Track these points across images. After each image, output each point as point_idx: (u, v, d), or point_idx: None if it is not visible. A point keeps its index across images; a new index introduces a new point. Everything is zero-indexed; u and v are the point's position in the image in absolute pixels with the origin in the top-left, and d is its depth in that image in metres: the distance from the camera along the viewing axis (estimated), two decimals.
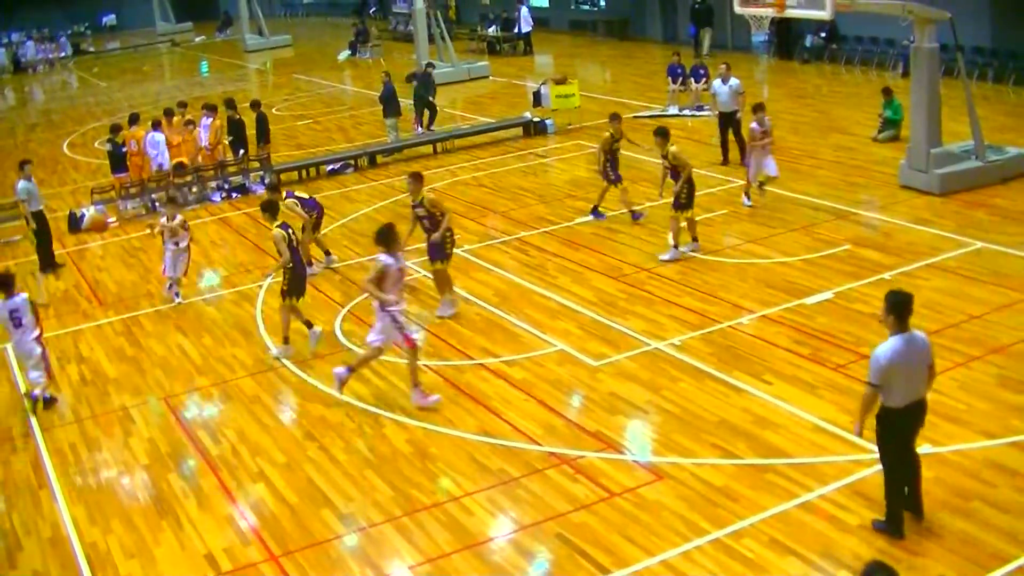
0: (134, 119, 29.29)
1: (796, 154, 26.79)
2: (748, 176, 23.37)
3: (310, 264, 21.11)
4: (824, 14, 22.45)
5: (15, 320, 16.82)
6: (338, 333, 18.70)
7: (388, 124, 32.59)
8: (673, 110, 33.43)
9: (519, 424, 14.91)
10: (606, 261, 20.66)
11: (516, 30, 51.59)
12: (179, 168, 28.45)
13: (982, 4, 33.45)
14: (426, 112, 33.94)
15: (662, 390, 15.47)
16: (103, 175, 29.72)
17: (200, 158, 29.06)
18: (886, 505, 11.53)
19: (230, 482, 14.27)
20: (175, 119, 30.11)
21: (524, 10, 50.94)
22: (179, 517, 13.55)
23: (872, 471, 12.61)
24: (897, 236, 20.67)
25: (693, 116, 32.62)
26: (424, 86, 34.23)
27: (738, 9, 24.70)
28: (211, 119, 29.32)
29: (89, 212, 27.03)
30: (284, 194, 21.19)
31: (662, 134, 20.71)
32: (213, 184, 29.02)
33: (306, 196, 21.88)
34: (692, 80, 33.55)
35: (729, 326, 17.35)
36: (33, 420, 16.70)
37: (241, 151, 29.46)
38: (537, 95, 33.93)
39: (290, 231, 17.90)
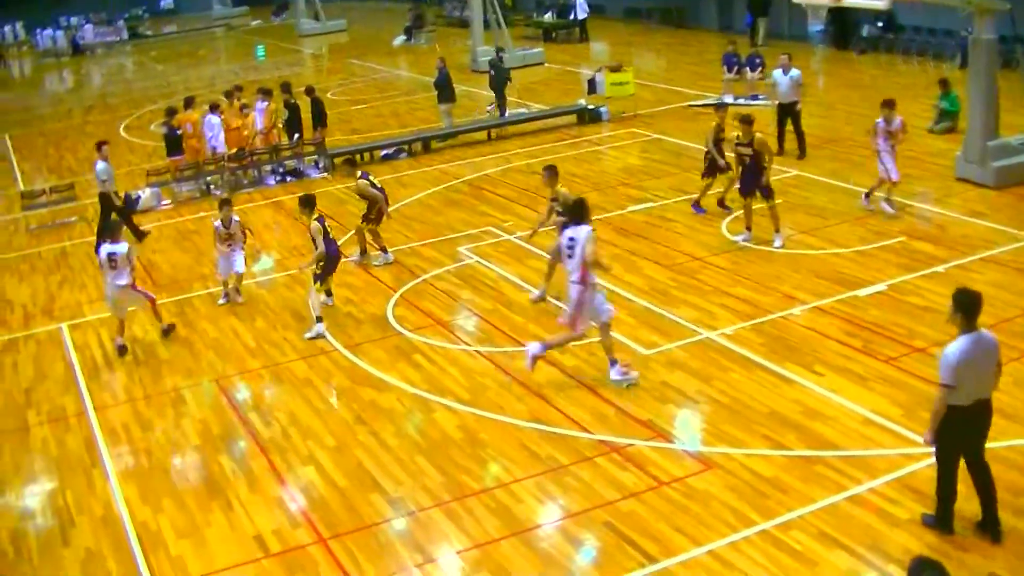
0: (189, 102, 29.49)
1: (850, 145, 26.57)
2: (887, 176, 21.44)
3: (364, 252, 21.23)
4: (881, 4, 22.40)
5: (112, 262, 18.18)
6: (390, 318, 18.75)
7: (442, 110, 32.60)
8: (728, 99, 33.20)
9: (569, 411, 14.91)
10: (658, 249, 20.62)
11: (572, 17, 51.48)
12: (239, 153, 28.60)
13: None
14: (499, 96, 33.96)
15: (712, 380, 15.43)
16: (159, 158, 29.94)
17: (256, 141, 29.20)
18: (936, 500, 11.44)
19: (280, 464, 14.37)
20: (235, 103, 30.29)
21: None
22: (229, 498, 13.65)
23: (922, 465, 12.56)
24: (951, 229, 20.50)
25: (748, 105, 32.41)
26: (498, 71, 34.12)
27: None
28: (266, 103, 29.47)
29: (145, 194, 27.24)
30: (359, 174, 21.17)
31: (748, 121, 20.53)
32: (268, 168, 29.15)
33: (376, 181, 21.74)
34: (747, 69, 33.40)
35: (781, 317, 17.27)
36: (87, 399, 16.90)
37: (296, 135, 29.60)
38: (592, 82, 33.80)
39: (325, 223, 18.63)
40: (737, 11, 47.53)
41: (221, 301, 20.24)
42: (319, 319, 18.40)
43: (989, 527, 11.29)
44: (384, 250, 21.37)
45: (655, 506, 12.52)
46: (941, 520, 11.41)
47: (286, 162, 29.43)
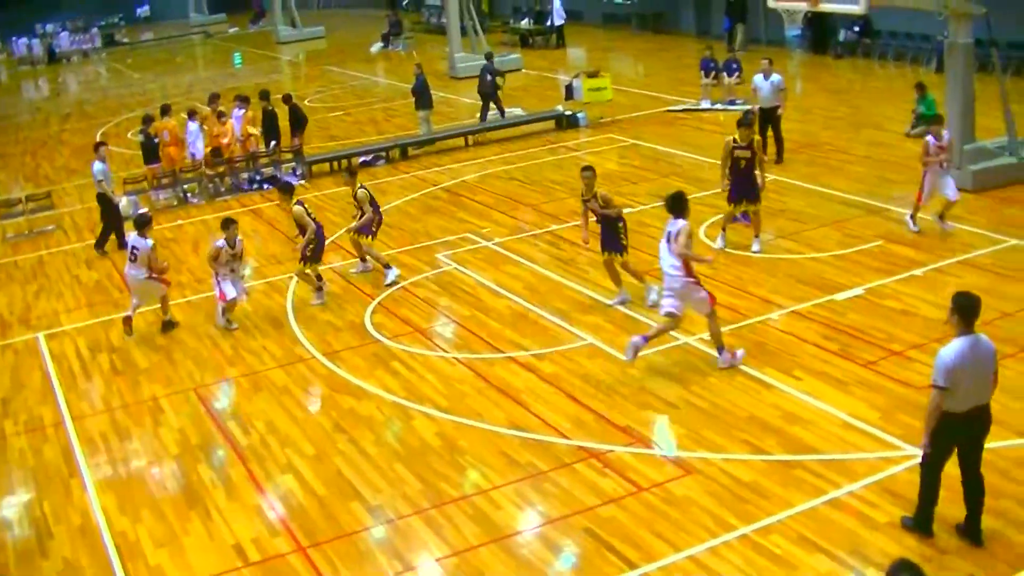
0: (166, 110, 29.43)
1: (828, 149, 26.68)
2: (919, 197, 20.52)
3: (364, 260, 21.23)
4: (858, 8, 22.42)
5: (132, 255, 19.05)
6: (368, 325, 18.72)
7: (420, 116, 32.63)
8: (706, 104, 33.35)
9: (548, 418, 14.91)
10: (637, 255, 20.57)
11: (549, 23, 51.51)
12: (215, 153, 28.55)
13: None
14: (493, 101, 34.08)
15: (692, 385, 15.44)
16: (136, 165, 29.83)
17: (234, 149, 29.13)
18: (918, 502, 11.43)
19: (259, 473, 14.33)
20: (213, 109, 30.30)
21: (557, 3, 50.74)
22: (208, 507, 13.61)
23: (901, 468, 12.60)
24: (930, 232, 20.54)
25: (725, 110, 32.49)
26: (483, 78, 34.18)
27: (771, 3, 24.65)
28: (243, 110, 29.41)
29: (122, 203, 27.15)
30: (358, 185, 20.98)
31: (747, 124, 20.40)
32: (245, 175, 29.09)
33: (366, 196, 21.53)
34: (724, 74, 33.44)
35: (759, 321, 17.30)
36: (65, 408, 16.83)
37: (273, 143, 29.56)
38: (569, 88, 33.84)
39: (305, 206, 19.96)
40: (714, 16, 47.68)
41: (230, 325, 19.27)
42: (320, 289, 19.83)
43: (971, 531, 11.30)
44: (363, 260, 21.30)
45: (635, 512, 12.51)
46: (920, 523, 11.42)
47: (263, 169, 29.37)
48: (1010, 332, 15.80)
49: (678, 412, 14.83)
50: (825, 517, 12.02)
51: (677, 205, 15.91)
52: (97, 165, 24.64)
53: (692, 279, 15.65)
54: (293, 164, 29.69)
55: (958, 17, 22.17)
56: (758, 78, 26.60)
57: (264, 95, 30.56)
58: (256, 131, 29.58)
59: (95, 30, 71.47)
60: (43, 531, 13.54)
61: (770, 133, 26.31)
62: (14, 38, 68.14)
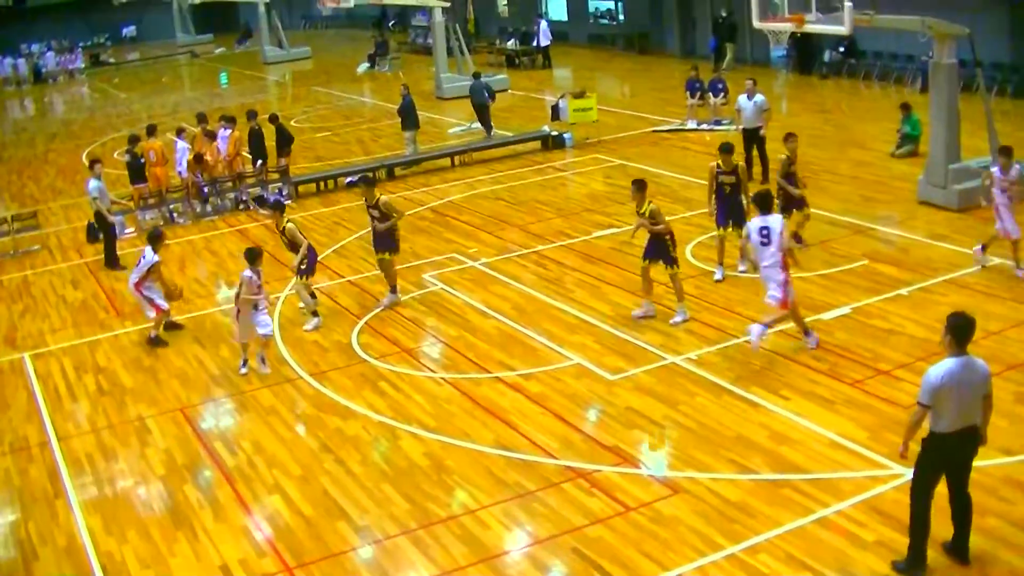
0: (151, 130, 29.37)
1: (815, 169, 26.73)
2: (1004, 231, 19.05)
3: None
4: (843, 29, 22.46)
5: (139, 260, 19.92)
6: (355, 345, 18.71)
7: (406, 137, 32.67)
8: (692, 124, 33.42)
9: (535, 438, 14.90)
10: (623, 275, 20.63)
11: (535, 44, 51.60)
12: (198, 159, 28.52)
13: (1002, 20, 33.45)
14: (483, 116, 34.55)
15: (679, 405, 15.45)
16: (122, 185, 29.77)
17: (219, 168, 29.14)
18: (910, 539, 11.19)
19: (246, 493, 14.28)
20: (200, 129, 30.35)
21: (543, 24, 51.01)
22: (195, 528, 13.56)
23: (889, 487, 12.62)
24: (915, 252, 20.62)
25: (711, 130, 32.58)
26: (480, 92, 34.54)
27: (757, 24, 24.68)
28: (229, 130, 29.40)
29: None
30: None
31: (729, 150, 20.18)
32: (231, 195, 29.07)
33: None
34: (710, 94, 33.52)
35: (747, 341, 17.31)
36: (50, 429, 16.77)
37: (260, 162, 29.56)
38: (555, 109, 33.93)
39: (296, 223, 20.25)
40: (700, 37, 47.85)
41: (243, 371, 18.10)
42: (315, 313, 19.60)
43: (958, 549, 11.28)
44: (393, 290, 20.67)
45: (623, 532, 12.50)
46: (913, 563, 11.15)
47: (250, 189, 29.35)
48: (994, 351, 15.84)
49: (665, 432, 14.84)
50: (813, 536, 12.02)
51: (767, 202, 16.83)
52: (92, 182, 24.73)
53: (787, 273, 16.50)
54: (279, 184, 29.66)
55: (942, 38, 22.28)
56: (742, 98, 26.75)
57: (251, 114, 30.57)
58: (244, 151, 29.61)
59: (80, 50, 71.37)
60: (28, 552, 13.47)
61: (755, 153, 26.42)
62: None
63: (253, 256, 18.18)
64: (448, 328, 19.14)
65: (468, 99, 36.08)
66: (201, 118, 31.06)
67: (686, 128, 33.26)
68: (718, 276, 19.90)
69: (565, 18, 57.77)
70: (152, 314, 19.85)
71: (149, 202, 28.31)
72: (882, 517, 12.14)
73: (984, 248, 19.57)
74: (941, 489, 11.17)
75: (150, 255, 19.46)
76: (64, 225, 29.11)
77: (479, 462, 14.42)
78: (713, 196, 20.25)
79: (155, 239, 19.81)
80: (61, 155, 39.91)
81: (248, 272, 17.91)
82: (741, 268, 20.09)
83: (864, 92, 38.23)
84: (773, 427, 14.54)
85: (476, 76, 36.17)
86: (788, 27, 23.94)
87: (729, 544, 12.03)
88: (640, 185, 18.43)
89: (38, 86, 65.02)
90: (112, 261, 24.52)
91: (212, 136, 29.43)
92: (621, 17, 54.54)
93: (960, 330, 10.76)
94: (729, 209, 19.98)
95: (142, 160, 28.18)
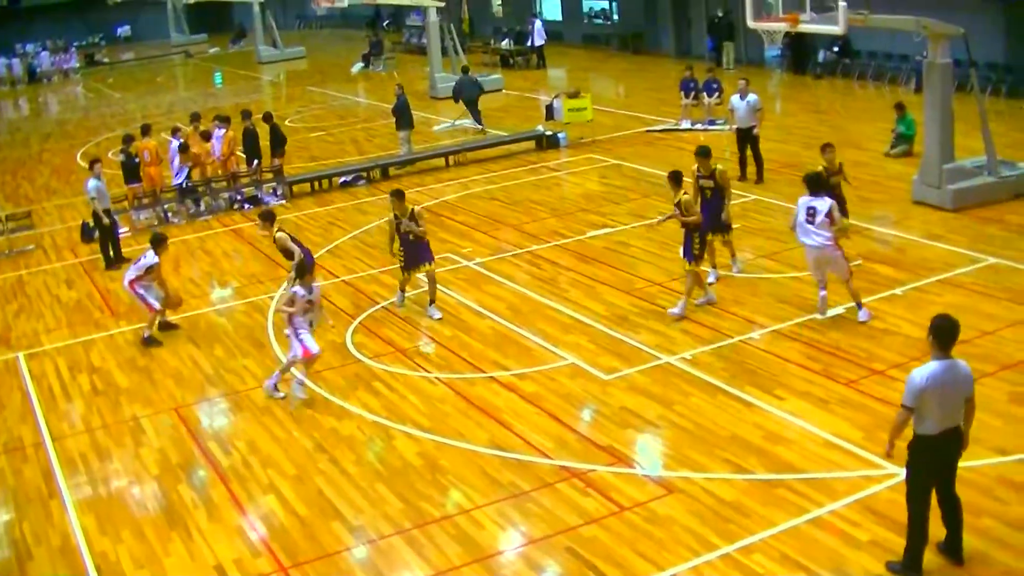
0: (146, 130, 29.37)
1: (809, 169, 26.66)
2: None
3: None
4: (837, 29, 22.47)
5: (138, 260, 19.90)
6: (349, 345, 18.70)
7: (401, 136, 32.63)
8: (686, 124, 33.40)
9: (530, 437, 14.89)
10: (618, 275, 20.64)
11: (529, 43, 51.57)
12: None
13: (996, 20, 33.45)
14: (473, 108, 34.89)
15: (674, 404, 15.44)
16: (116, 185, 29.71)
17: (213, 168, 29.14)
18: (907, 542, 11.13)
19: (240, 493, 14.27)
20: (195, 128, 30.33)
21: (537, 24, 51.01)
22: (189, 528, 13.55)
23: (883, 487, 12.62)
24: (910, 251, 20.63)
25: (705, 130, 32.58)
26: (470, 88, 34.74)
27: (751, 23, 24.66)
28: (223, 130, 29.38)
29: None
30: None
31: (706, 154, 19.81)
32: (226, 195, 29.05)
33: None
34: (704, 94, 33.50)
35: (741, 341, 17.32)
36: (45, 429, 16.75)
37: (254, 162, 29.55)
38: (550, 108, 33.90)
39: (287, 231, 19.97)
40: (695, 37, 47.86)
41: (279, 395, 17.08)
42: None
43: (952, 550, 11.27)
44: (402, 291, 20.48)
45: (617, 531, 12.50)
46: (909, 566, 11.10)
47: (244, 189, 29.34)
48: (989, 351, 15.88)
49: (660, 431, 14.84)
50: (807, 536, 12.03)
51: (817, 183, 17.58)
52: (92, 182, 24.66)
53: (841, 250, 17.43)
54: (274, 184, 29.65)
55: (936, 38, 22.28)
56: (735, 98, 26.78)
57: (246, 114, 30.57)
58: (238, 151, 29.60)
59: (75, 50, 71.31)
60: (23, 552, 13.45)
61: (749, 153, 26.42)
62: None
63: (302, 271, 17.25)
64: (442, 328, 19.13)
65: (461, 98, 36.12)
66: (195, 117, 31.04)
67: (680, 128, 33.25)
68: (711, 279, 19.83)
69: (559, 18, 57.74)
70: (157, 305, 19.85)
71: (143, 202, 28.28)
72: (876, 517, 12.14)
73: None
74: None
75: (151, 256, 19.42)
76: (59, 225, 29.10)
77: (473, 462, 14.42)
78: (697, 200, 19.44)
79: (157, 243, 19.70)
80: (56, 155, 39.87)
81: (297, 288, 16.81)
82: (735, 269, 20.11)
83: (858, 92, 38.25)
84: (768, 427, 14.54)
85: (465, 71, 36.31)
86: (782, 27, 23.93)
87: (724, 544, 12.03)
88: (670, 177, 18.62)
89: (33, 86, 64.96)
90: (118, 260, 24.38)
91: (207, 136, 29.40)
92: (615, 17, 54.44)
93: (943, 332, 10.75)
94: (710, 215, 19.19)
95: (136, 160, 28.16)
